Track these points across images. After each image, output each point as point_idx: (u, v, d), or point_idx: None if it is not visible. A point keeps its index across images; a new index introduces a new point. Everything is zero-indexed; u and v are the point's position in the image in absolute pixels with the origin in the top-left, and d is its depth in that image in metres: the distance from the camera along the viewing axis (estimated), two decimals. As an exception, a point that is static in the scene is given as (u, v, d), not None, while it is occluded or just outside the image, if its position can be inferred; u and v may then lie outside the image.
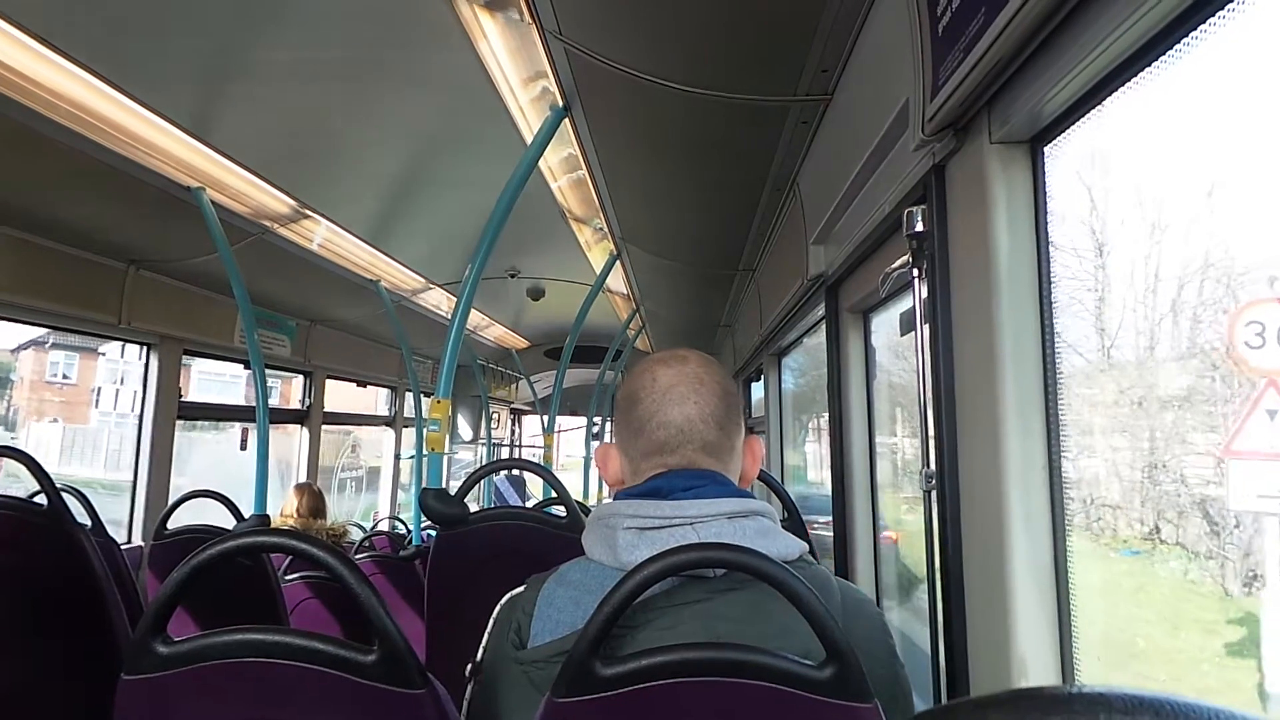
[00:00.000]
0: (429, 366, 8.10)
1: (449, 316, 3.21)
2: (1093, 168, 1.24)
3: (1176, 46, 0.95)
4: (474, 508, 2.18)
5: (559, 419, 6.95)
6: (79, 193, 3.29)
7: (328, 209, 4.10)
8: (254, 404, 4.61)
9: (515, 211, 2.97)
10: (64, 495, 1.90)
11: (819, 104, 2.20)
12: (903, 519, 2.46)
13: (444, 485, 3.60)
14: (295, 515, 4.07)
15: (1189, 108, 1.03)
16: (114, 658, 1.80)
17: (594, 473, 9.11)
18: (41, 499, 1.86)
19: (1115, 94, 1.07)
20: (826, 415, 2.78)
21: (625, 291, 6.46)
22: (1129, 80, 1.03)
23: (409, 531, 6.22)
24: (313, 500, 4.14)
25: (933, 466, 1.47)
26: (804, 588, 0.79)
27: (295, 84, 2.84)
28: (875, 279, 1.87)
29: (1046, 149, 1.26)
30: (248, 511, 3.62)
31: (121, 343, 4.55)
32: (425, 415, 5.79)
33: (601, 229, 4.74)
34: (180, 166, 3.30)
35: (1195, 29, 0.91)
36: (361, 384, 7.45)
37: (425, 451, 3.15)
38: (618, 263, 5.14)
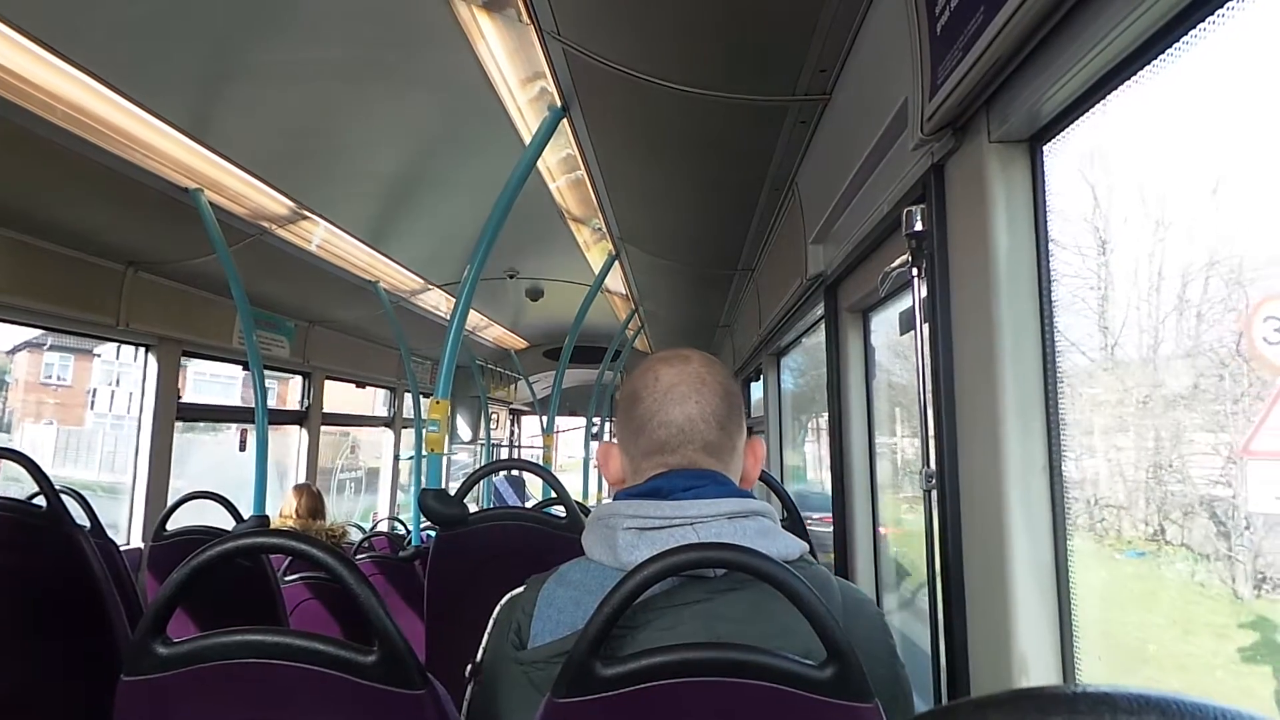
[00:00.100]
0: (428, 367, 8.10)
1: (448, 317, 3.21)
2: (1094, 165, 1.24)
3: (1175, 45, 0.95)
4: (473, 508, 2.18)
5: (558, 419, 6.94)
6: (77, 194, 3.29)
7: (326, 210, 4.10)
8: (252, 405, 4.61)
9: (514, 212, 2.97)
10: (63, 497, 1.90)
11: (817, 104, 2.20)
12: (902, 518, 2.46)
13: (443, 486, 3.59)
14: (294, 516, 4.07)
15: (1193, 104, 1.03)
16: (113, 659, 1.80)
17: (593, 473, 9.11)
18: (41, 500, 1.86)
19: (1114, 93, 1.07)
20: (826, 415, 2.78)
21: (624, 292, 6.46)
22: (1128, 79, 1.03)
23: (408, 532, 6.22)
24: (311, 501, 4.14)
25: (933, 466, 1.47)
26: (805, 587, 0.79)
27: (293, 85, 2.84)
28: (874, 278, 1.86)
29: (1045, 148, 1.26)
30: (246, 513, 3.61)
31: (117, 344, 4.55)
32: (424, 416, 5.79)
33: (600, 229, 4.74)
34: (178, 168, 3.30)
35: (1194, 27, 0.91)
36: (360, 385, 7.45)
37: (424, 452, 3.15)
38: (616, 263, 5.14)
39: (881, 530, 2.48)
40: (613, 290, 6.58)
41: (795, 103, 2.21)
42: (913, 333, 1.58)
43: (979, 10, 1.11)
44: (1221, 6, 0.87)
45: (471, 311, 4.35)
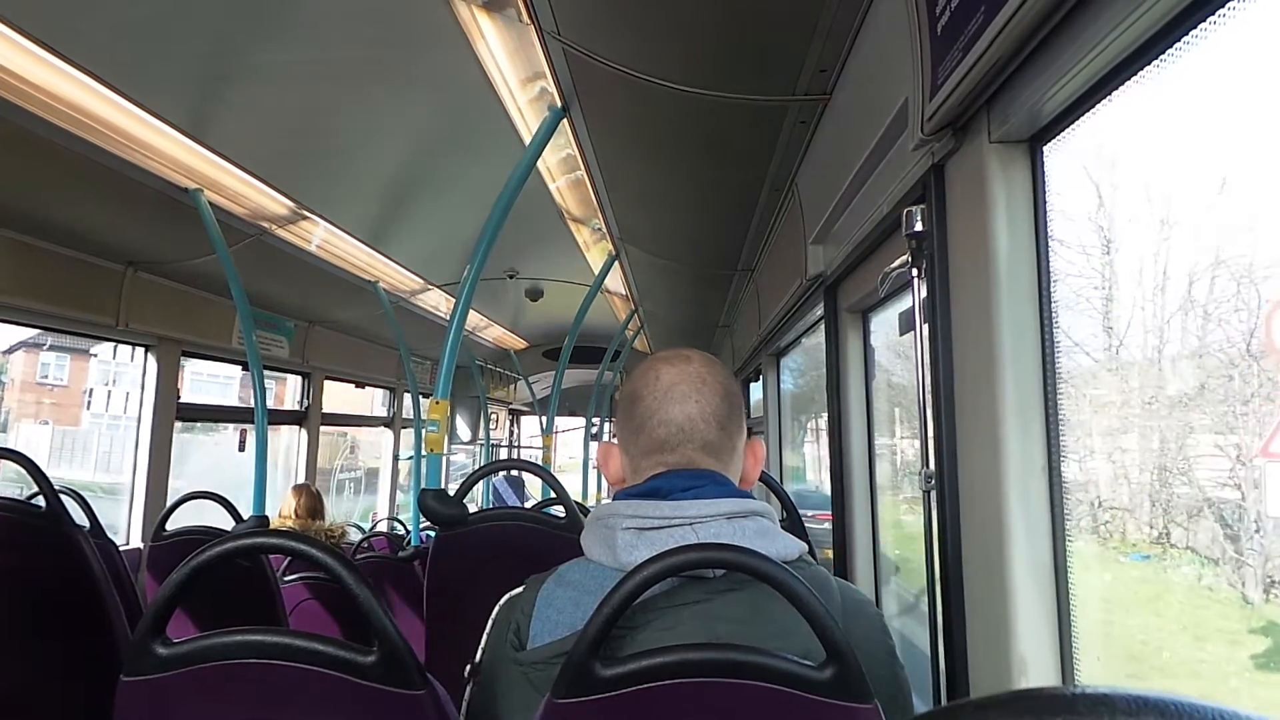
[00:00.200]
0: (427, 367, 8.10)
1: (447, 317, 3.21)
2: (1098, 163, 1.23)
3: (1176, 45, 0.95)
4: (473, 509, 2.18)
5: (558, 420, 6.94)
6: (76, 195, 3.29)
7: (326, 210, 4.10)
8: (250, 405, 4.61)
9: (514, 212, 2.97)
10: (62, 497, 1.90)
11: (817, 104, 2.20)
12: (902, 519, 2.46)
13: (443, 486, 3.59)
14: (294, 516, 4.07)
15: (1198, 101, 1.02)
16: (113, 659, 1.80)
17: (593, 473, 9.12)
18: (40, 501, 1.86)
19: (1115, 93, 1.07)
20: (825, 415, 2.78)
21: (624, 292, 6.46)
22: (1128, 79, 1.03)
23: (408, 532, 6.22)
24: (311, 501, 4.14)
25: (932, 467, 1.47)
26: (804, 588, 0.79)
27: (293, 85, 2.84)
28: (874, 279, 1.86)
29: (1045, 148, 1.27)
30: (246, 513, 3.61)
31: (114, 344, 4.55)
32: (424, 416, 5.78)
33: (600, 229, 4.74)
34: (178, 168, 3.30)
35: (1194, 28, 0.91)
36: (360, 385, 7.45)
37: (424, 452, 3.15)
38: (616, 263, 5.14)
39: (881, 531, 2.48)
40: (612, 290, 6.58)
41: (795, 103, 2.21)
42: (912, 333, 1.58)
43: (979, 10, 1.11)
44: (1221, 7, 0.87)
45: (471, 311, 4.35)
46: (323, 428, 6.44)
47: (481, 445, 9.81)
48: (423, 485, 2.64)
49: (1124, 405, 1.29)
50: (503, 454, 11.56)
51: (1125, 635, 1.33)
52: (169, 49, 2.51)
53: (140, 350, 4.47)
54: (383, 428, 8.04)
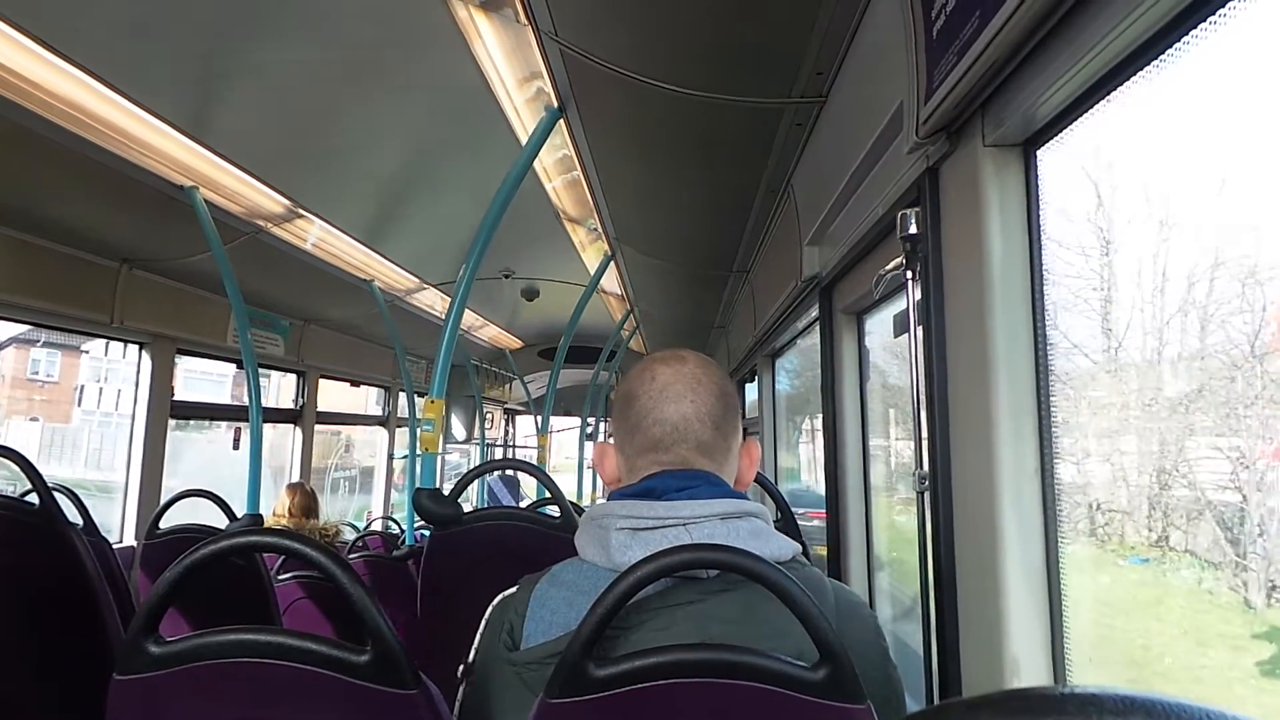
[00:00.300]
0: (423, 366, 8.09)
1: (443, 316, 3.21)
2: (1095, 163, 1.23)
3: (1171, 49, 0.95)
4: (467, 508, 2.18)
5: (553, 419, 6.94)
6: (72, 191, 3.28)
7: (322, 209, 4.09)
8: (245, 402, 4.60)
9: (510, 212, 2.97)
10: (56, 495, 1.89)
11: (813, 106, 2.20)
12: (895, 520, 2.46)
13: (438, 485, 3.59)
14: (287, 515, 4.06)
15: (1197, 101, 1.02)
16: (106, 657, 1.79)
17: (587, 473, 9.11)
18: (33, 498, 1.85)
19: (1108, 98, 1.08)
20: (820, 416, 2.79)
21: (619, 292, 6.46)
22: (1122, 84, 1.04)
23: (402, 531, 6.21)
24: (305, 500, 4.14)
25: (926, 467, 1.47)
26: (797, 589, 0.79)
27: (290, 83, 2.84)
28: (869, 281, 1.87)
29: (1040, 152, 1.27)
30: (240, 511, 3.60)
31: (105, 341, 4.54)
32: (419, 415, 5.77)
33: (596, 230, 4.74)
34: (174, 166, 3.29)
35: (1189, 32, 0.92)
36: (355, 383, 7.44)
37: (419, 451, 3.14)
38: (612, 263, 5.14)
39: (875, 531, 2.48)
40: (608, 291, 6.58)
41: (791, 105, 2.21)
42: (907, 335, 1.58)
43: (975, 15, 1.12)
44: (1217, 11, 0.88)
45: (467, 311, 4.35)
46: (317, 426, 6.43)
47: (477, 445, 9.80)
48: (418, 484, 2.64)
49: (1123, 408, 1.29)
50: (498, 454, 11.54)
51: (1125, 639, 1.32)
52: (166, 47, 2.51)
53: (133, 347, 4.46)
54: (378, 426, 8.02)
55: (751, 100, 2.22)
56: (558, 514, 2.10)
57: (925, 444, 1.48)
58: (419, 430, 4.28)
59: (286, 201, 3.87)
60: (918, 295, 1.53)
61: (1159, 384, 1.21)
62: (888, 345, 2.34)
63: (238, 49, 2.58)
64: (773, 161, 2.68)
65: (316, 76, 2.78)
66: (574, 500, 3.18)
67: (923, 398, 1.50)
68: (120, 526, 4.30)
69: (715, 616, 0.86)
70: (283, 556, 3.03)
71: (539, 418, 6.67)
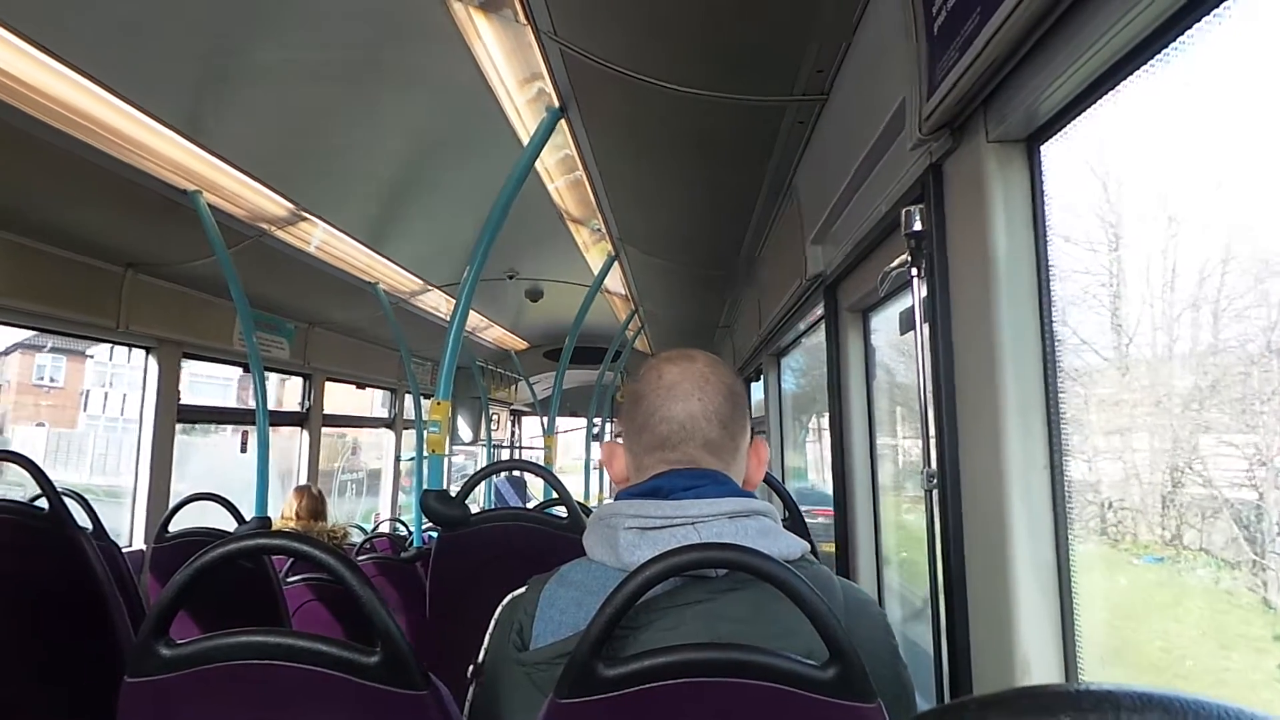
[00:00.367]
0: (428, 368, 8.10)
1: (448, 318, 3.21)
2: (1103, 158, 1.22)
3: (1173, 44, 0.95)
4: (474, 509, 2.19)
5: (559, 420, 6.94)
6: (75, 197, 3.29)
7: (325, 211, 4.10)
8: (251, 406, 4.61)
9: (513, 213, 2.97)
10: (64, 499, 1.90)
11: (815, 104, 2.20)
12: (904, 518, 2.46)
13: (444, 487, 3.60)
14: (295, 518, 4.07)
15: (1207, 94, 1.01)
16: (116, 660, 1.80)
17: (594, 474, 9.12)
18: (43, 503, 1.86)
19: (1112, 92, 1.07)
20: (826, 415, 2.78)
21: (624, 292, 6.46)
22: (1126, 78, 1.04)
23: (410, 533, 6.22)
24: (313, 503, 4.14)
25: (934, 465, 1.47)
26: (806, 587, 0.79)
27: (291, 86, 2.84)
28: (874, 278, 1.87)
29: (1043, 147, 1.27)
30: (248, 514, 3.61)
31: (110, 346, 4.55)
32: (425, 417, 5.78)
33: (599, 230, 4.74)
34: (177, 170, 3.30)
35: (1191, 26, 0.91)
36: (361, 386, 7.45)
37: (426, 453, 3.15)
38: (616, 264, 5.14)
39: (883, 530, 2.48)
40: (612, 291, 6.58)
41: (793, 103, 2.21)
42: (913, 333, 1.58)
43: (976, 10, 1.11)
44: (1218, 5, 0.87)
45: (471, 312, 4.36)
46: (323, 429, 6.44)
47: (483, 446, 9.81)
48: (424, 486, 2.64)
49: (1135, 405, 1.27)
50: (504, 455, 11.56)
51: (1145, 641, 1.30)
52: (166, 50, 2.52)
53: (139, 352, 4.47)
54: (384, 429, 8.04)
55: (753, 99, 2.22)
56: (565, 515, 2.10)
57: (933, 442, 1.48)
58: (425, 432, 4.29)
59: (289, 204, 3.88)
60: (923, 292, 1.53)
61: (1172, 379, 1.20)
62: (894, 343, 2.33)
63: (238, 52, 2.58)
64: (775, 160, 2.67)
65: (317, 78, 2.78)
66: (581, 501, 3.19)
67: (930, 395, 1.49)
68: (129, 530, 4.32)
69: (724, 616, 0.86)
70: (291, 559, 3.04)
71: (545, 419, 6.67)
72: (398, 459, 7.93)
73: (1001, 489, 1.24)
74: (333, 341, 6.38)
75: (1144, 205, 1.22)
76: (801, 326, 3.54)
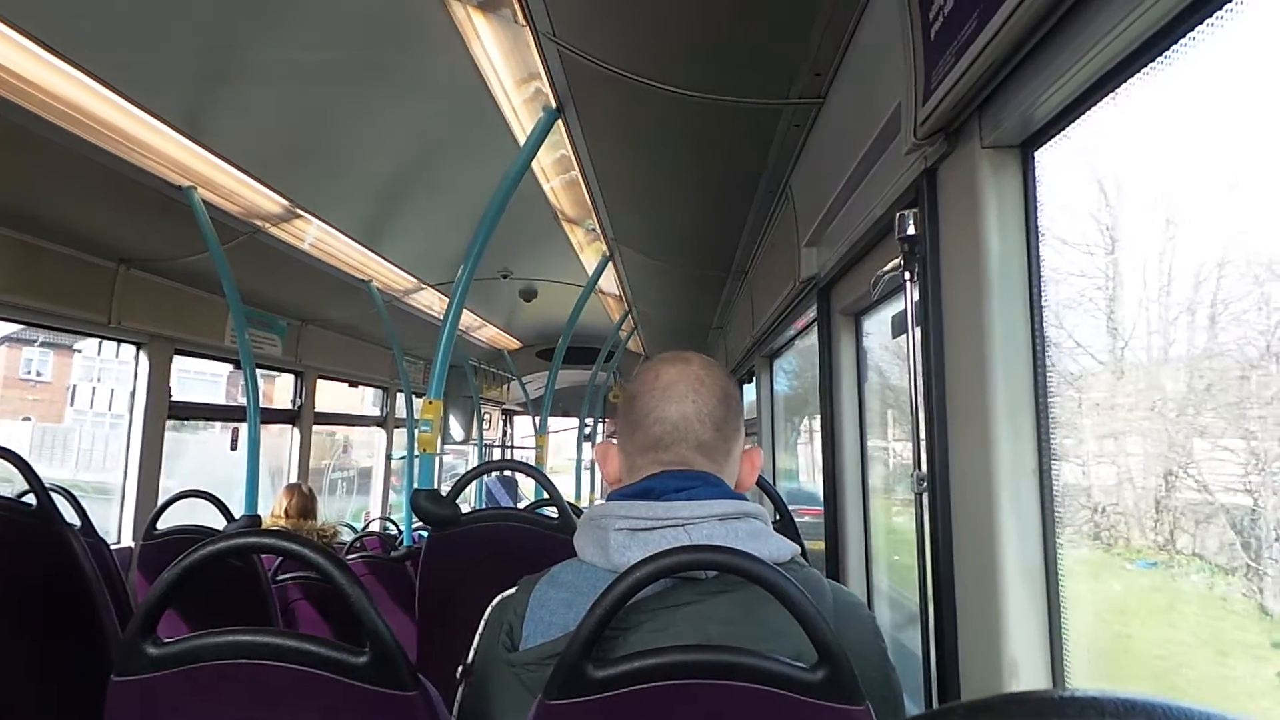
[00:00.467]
0: (421, 367, 8.08)
1: (441, 317, 3.20)
2: (1098, 161, 1.22)
3: (1170, 50, 0.95)
4: (465, 509, 2.18)
5: (551, 420, 6.94)
6: (69, 191, 3.28)
7: (319, 209, 4.09)
8: (240, 402, 4.60)
9: (508, 213, 2.97)
10: (53, 495, 1.89)
11: (811, 107, 2.20)
12: (894, 521, 2.46)
13: (436, 486, 3.60)
14: (285, 516, 4.05)
15: (1204, 98, 1.01)
16: (103, 659, 1.79)
17: (585, 474, 9.11)
18: (30, 499, 1.85)
19: (1106, 99, 1.08)
20: (818, 417, 2.79)
21: (617, 293, 6.46)
22: (1120, 85, 1.04)
23: (400, 532, 6.20)
24: (303, 501, 4.13)
25: (924, 469, 1.47)
26: (796, 590, 0.79)
27: (288, 84, 2.83)
28: (867, 282, 1.87)
29: (1037, 153, 1.27)
30: (238, 512, 3.60)
31: (99, 340, 4.53)
32: (417, 416, 5.77)
33: (594, 230, 4.74)
34: (171, 166, 3.29)
35: (1188, 33, 0.92)
36: (353, 384, 7.43)
37: (417, 452, 3.14)
38: (610, 264, 5.14)
39: (873, 532, 2.48)
40: (606, 291, 6.58)
41: (789, 106, 2.21)
42: (905, 336, 1.58)
43: (973, 16, 1.12)
44: (1216, 11, 0.88)
45: (465, 311, 4.34)
46: (315, 427, 6.42)
47: (475, 445, 9.80)
48: (415, 485, 2.63)
49: (1131, 409, 1.27)
50: (496, 454, 11.54)
51: (1140, 648, 1.29)
52: (163, 47, 2.51)
53: (128, 347, 4.45)
54: (375, 427, 8.02)
55: (750, 101, 2.23)
56: (556, 515, 2.10)
57: (924, 445, 1.48)
58: (417, 431, 4.28)
59: (284, 201, 3.87)
60: (916, 296, 1.53)
61: (1169, 383, 1.19)
62: (886, 346, 2.34)
63: (235, 49, 2.58)
64: (771, 162, 2.68)
65: (314, 77, 2.77)
66: (572, 501, 3.18)
67: (921, 399, 1.50)
68: (118, 527, 4.30)
69: (714, 618, 0.86)
70: (281, 558, 3.03)
71: (537, 418, 6.67)
72: (389, 457, 7.91)
73: (990, 492, 1.25)
74: (325, 339, 6.37)
75: (1140, 208, 1.22)
76: (795, 329, 3.54)
